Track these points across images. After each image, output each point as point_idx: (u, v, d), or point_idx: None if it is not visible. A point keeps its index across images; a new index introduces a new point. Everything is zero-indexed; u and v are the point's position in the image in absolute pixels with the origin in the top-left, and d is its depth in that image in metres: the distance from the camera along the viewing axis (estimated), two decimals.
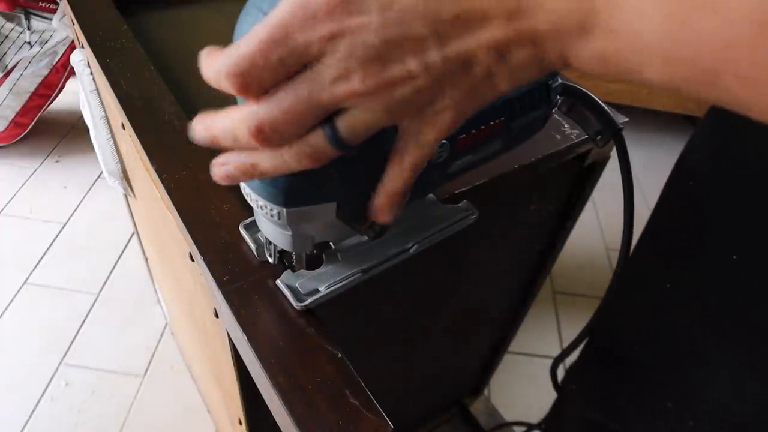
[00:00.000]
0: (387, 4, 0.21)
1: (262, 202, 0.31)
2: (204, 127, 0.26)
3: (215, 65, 0.23)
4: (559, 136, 0.51)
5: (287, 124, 0.24)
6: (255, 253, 0.38)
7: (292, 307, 0.35)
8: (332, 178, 0.30)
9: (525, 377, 1.17)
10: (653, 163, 1.69)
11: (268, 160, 0.26)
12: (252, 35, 0.22)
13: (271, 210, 0.31)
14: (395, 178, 0.28)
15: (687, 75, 0.20)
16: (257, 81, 0.23)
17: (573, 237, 0.70)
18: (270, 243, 0.37)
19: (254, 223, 0.39)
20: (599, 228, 1.52)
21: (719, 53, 0.18)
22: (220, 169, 0.28)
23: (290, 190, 0.30)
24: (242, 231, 0.39)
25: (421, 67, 0.23)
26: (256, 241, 0.38)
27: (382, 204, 0.30)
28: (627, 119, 0.51)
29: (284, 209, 0.31)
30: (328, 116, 0.25)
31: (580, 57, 0.22)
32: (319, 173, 0.30)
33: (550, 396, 0.79)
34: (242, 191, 0.32)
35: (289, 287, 0.36)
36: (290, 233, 0.33)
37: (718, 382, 0.48)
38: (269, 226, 0.34)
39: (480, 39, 0.22)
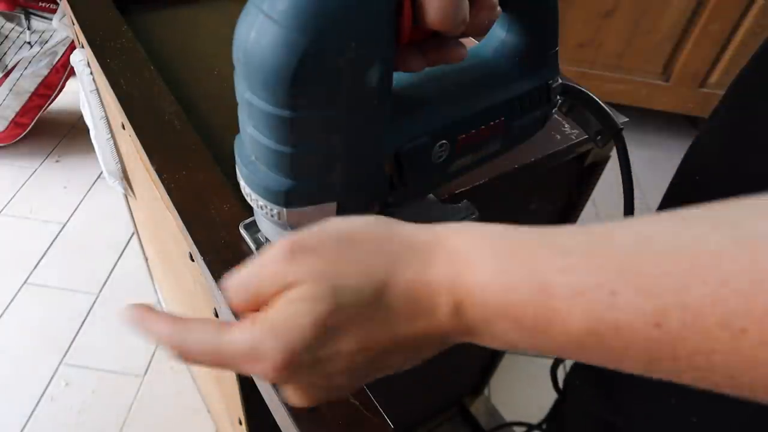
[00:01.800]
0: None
1: (262, 202, 0.31)
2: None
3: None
4: (559, 136, 0.51)
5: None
6: (255, 253, 0.38)
7: None
8: (332, 179, 0.30)
9: (525, 377, 1.17)
10: (653, 163, 1.69)
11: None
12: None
13: (272, 210, 0.31)
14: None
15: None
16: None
17: None
18: (270, 243, 0.37)
19: (254, 223, 0.39)
20: None
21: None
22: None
23: (290, 191, 0.30)
24: (242, 231, 0.39)
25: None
26: (256, 241, 0.38)
27: None
28: (627, 119, 0.51)
29: (284, 209, 0.31)
30: None
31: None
32: (319, 174, 0.30)
33: (550, 396, 0.79)
34: (242, 191, 0.32)
35: None
36: (290, 233, 0.33)
37: None
38: (269, 226, 0.34)
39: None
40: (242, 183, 0.32)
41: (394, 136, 0.32)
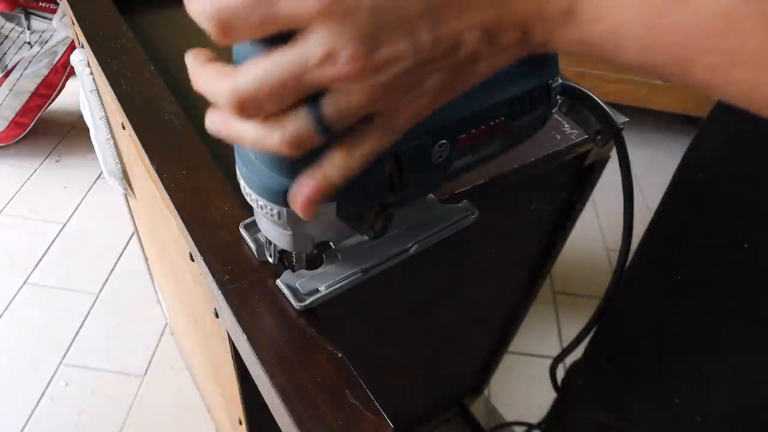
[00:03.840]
0: None
1: (262, 201, 0.31)
2: (195, 77, 0.25)
3: (201, 4, 0.22)
4: (559, 136, 0.51)
5: (267, 98, 0.23)
6: (255, 253, 0.38)
7: (292, 307, 0.35)
8: None
9: (525, 377, 1.17)
10: (653, 163, 1.69)
11: (251, 132, 0.25)
12: None
13: (271, 210, 0.31)
14: (341, 163, 0.26)
15: (662, 61, 0.21)
16: (236, 32, 0.22)
17: (573, 237, 0.70)
18: (270, 243, 0.37)
19: (254, 223, 0.39)
20: (599, 228, 1.52)
21: (691, 43, 0.20)
22: (212, 123, 0.26)
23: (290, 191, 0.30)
24: (242, 231, 0.39)
25: (410, 49, 0.22)
26: (256, 241, 0.38)
27: (309, 192, 0.27)
28: (627, 119, 0.51)
29: (284, 209, 0.31)
30: (312, 96, 0.24)
31: (563, 41, 0.23)
32: None
33: (550, 396, 0.79)
34: (242, 191, 0.32)
35: (289, 287, 0.36)
36: (290, 233, 0.33)
37: (727, 377, 0.48)
38: (269, 226, 0.34)
39: (470, 21, 0.22)
40: (242, 183, 0.32)
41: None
